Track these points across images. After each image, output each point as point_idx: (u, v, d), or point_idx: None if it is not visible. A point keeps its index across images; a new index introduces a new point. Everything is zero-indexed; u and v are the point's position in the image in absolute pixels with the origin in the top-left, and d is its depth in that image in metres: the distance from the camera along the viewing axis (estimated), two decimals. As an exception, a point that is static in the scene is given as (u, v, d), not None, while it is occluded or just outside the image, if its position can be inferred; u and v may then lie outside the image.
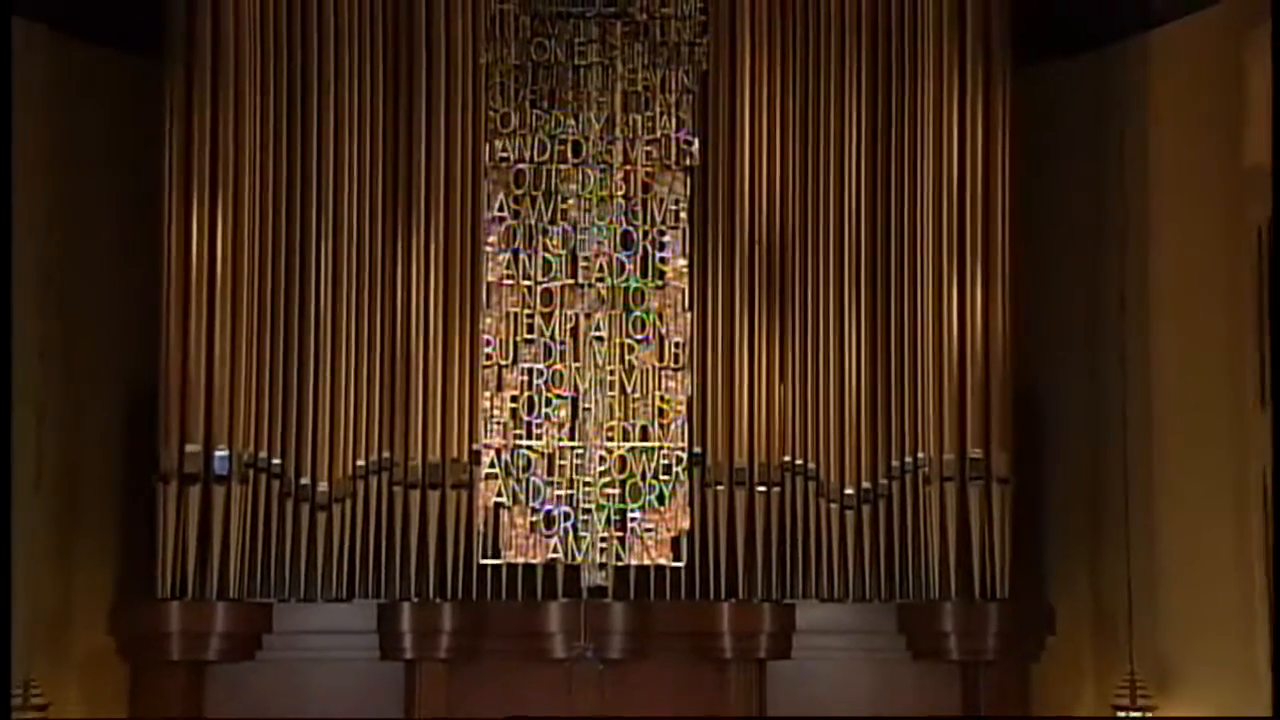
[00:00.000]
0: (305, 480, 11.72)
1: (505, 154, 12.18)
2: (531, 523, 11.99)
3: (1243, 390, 11.47)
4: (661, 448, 12.10)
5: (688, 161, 12.25)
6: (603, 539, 11.94)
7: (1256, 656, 11.14)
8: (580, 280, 12.16)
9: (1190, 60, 12.20)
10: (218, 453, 11.46)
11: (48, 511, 11.63)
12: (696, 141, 12.24)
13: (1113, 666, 11.97)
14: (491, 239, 12.14)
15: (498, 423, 12.02)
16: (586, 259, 12.17)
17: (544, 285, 12.14)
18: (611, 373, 12.11)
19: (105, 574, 12.12)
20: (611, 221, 12.20)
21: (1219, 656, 11.61)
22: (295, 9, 11.91)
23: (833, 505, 11.92)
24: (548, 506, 12.00)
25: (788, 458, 12.00)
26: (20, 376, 11.58)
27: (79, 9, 12.10)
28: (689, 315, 12.17)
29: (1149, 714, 11.70)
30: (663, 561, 11.96)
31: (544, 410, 12.08)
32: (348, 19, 11.98)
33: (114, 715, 11.93)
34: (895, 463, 11.92)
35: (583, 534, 11.94)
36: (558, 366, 12.12)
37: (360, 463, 11.82)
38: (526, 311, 12.12)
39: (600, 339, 12.13)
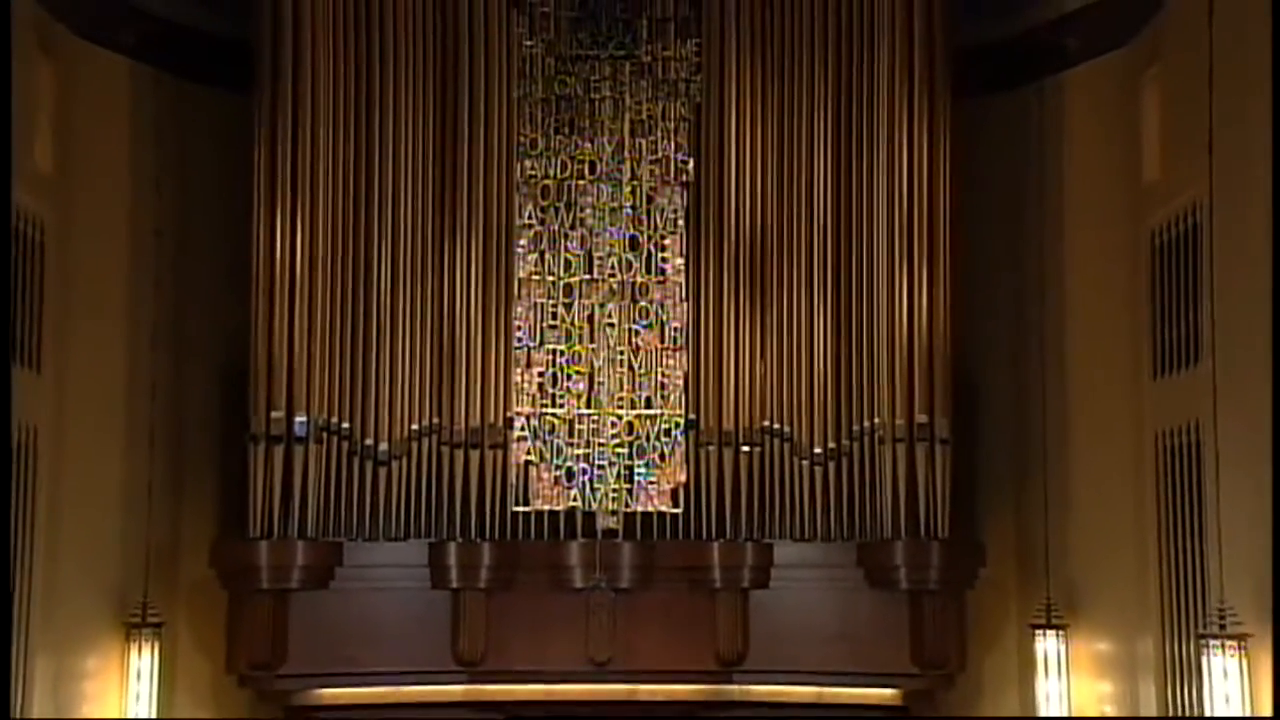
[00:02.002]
0: (369, 441, 11.89)
1: (533, 172, 12.36)
2: (555, 477, 12.20)
3: (1140, 367, 11.78)
4: (663, 414, 12.30)
5: (684, 178, 12.42)
6: (614, 490, 12.21)
7: (1148, 584, 11.49)
8: (595, 276, 12.35)
9: (1097, 95, 12.33)
10: (297, 418, 11.63)
11: (160, 467, 12.01)
12: (691, 161, 12.42)
13: (1033, 592, 12.23)
14: (522, 242, 12.31)
15: (527, 394, 12.24)
16: (600, 259, 12.37)
17: (565, 281, 12.34)
18: (621, 353, 12.33)
19: (207, 517, 12.32)
20: (621, 228, 12.42)
21: (1118, 583, 11.92)
22: (360, 55, 12.02)
23: (804, 462, 12.09)
24: (568, 463, 12.22)
25: (767, 422, 12.18)
26: (137, 357, 12.02)
27: (188, 57, 12.38)
28: (685, 305, 12.36)
29: (1061, 630, 11.96)
30: (663, 508, 12.19)
31: (565, 384, 12.29)
32: (405, 60, 12.11)
33: (215, 633, 12.14)
34: (855, 426, 12.03)
35: (597, 486, 12.20)
36: (576, 348, 12.32)
37: (415, 426, 11.99)
38: (551, 302, 12.31)
39: (612, 325, 12.34)
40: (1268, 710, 9.34)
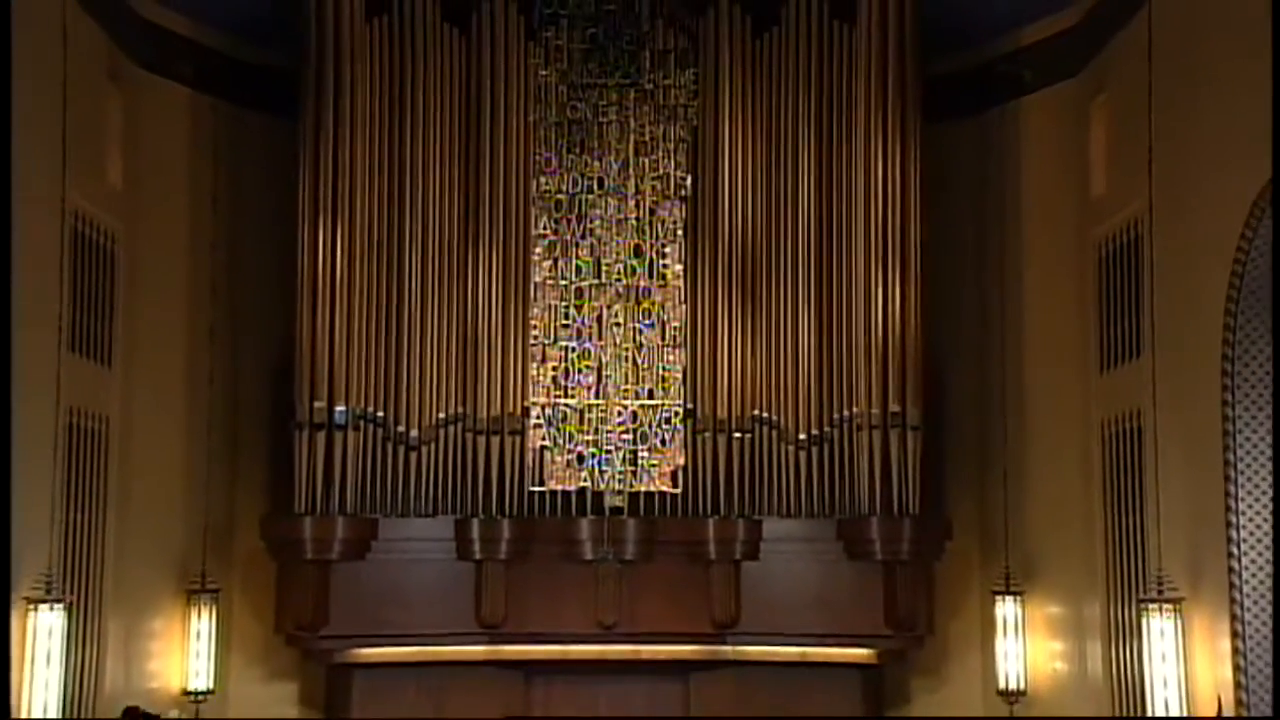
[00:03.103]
0: (401, 428, 12.10)
1: (548, 187, 12.59)
2: (567, 460, 12.40)
3: (1088, 362, 12.03)
4: (663, 405, 12.49)
5: (683, 193, 12.62)
6: (620, 472, 12.41)
7: (1095, 554, 11.77)
8: (603, 281, 12.58)
9: (1050, 120, 12.62)
10: (337, 408, 11.85)
11: (216, 451, 12.43)
12: (689, 178, 12.62)
13: (993, 562, 12.58)
14: (538, 250, 12.53)
15: (542, 386, 12.43)
16: (608, 265, 12.60)
17: (576, 285, 12.56)
18: (626, 349, 12.53)
19: (258, 496, 12.61)
20: (626, 237, 12.61)
21: (1068, 554, 12.22)
22: (393, 83, 12.26)
23: (790, 447, 12.28)
24: (579, 448, 12.42)
25: (756, 411, 12.38)
26: (196, 353, 12.40)
27: (241, 86, 12.76)
28: (684, 307, 12.55)
29: (1019, 596, 12.32)
30: (664, 489, 12.38)
31: (576, 377, 12.49)
32: (432, 88, 12.36)
33: (265, 598, 12.41)
34: (836, 415, 12.19)
35: (605, 468, 12.42)
36: (586, 344, 12.52)
37: (442, 415, 12.23)
38: (563, 304, 12.53)
39: (618, 324, 12.55)
40: (1200, 665, 9.73)
